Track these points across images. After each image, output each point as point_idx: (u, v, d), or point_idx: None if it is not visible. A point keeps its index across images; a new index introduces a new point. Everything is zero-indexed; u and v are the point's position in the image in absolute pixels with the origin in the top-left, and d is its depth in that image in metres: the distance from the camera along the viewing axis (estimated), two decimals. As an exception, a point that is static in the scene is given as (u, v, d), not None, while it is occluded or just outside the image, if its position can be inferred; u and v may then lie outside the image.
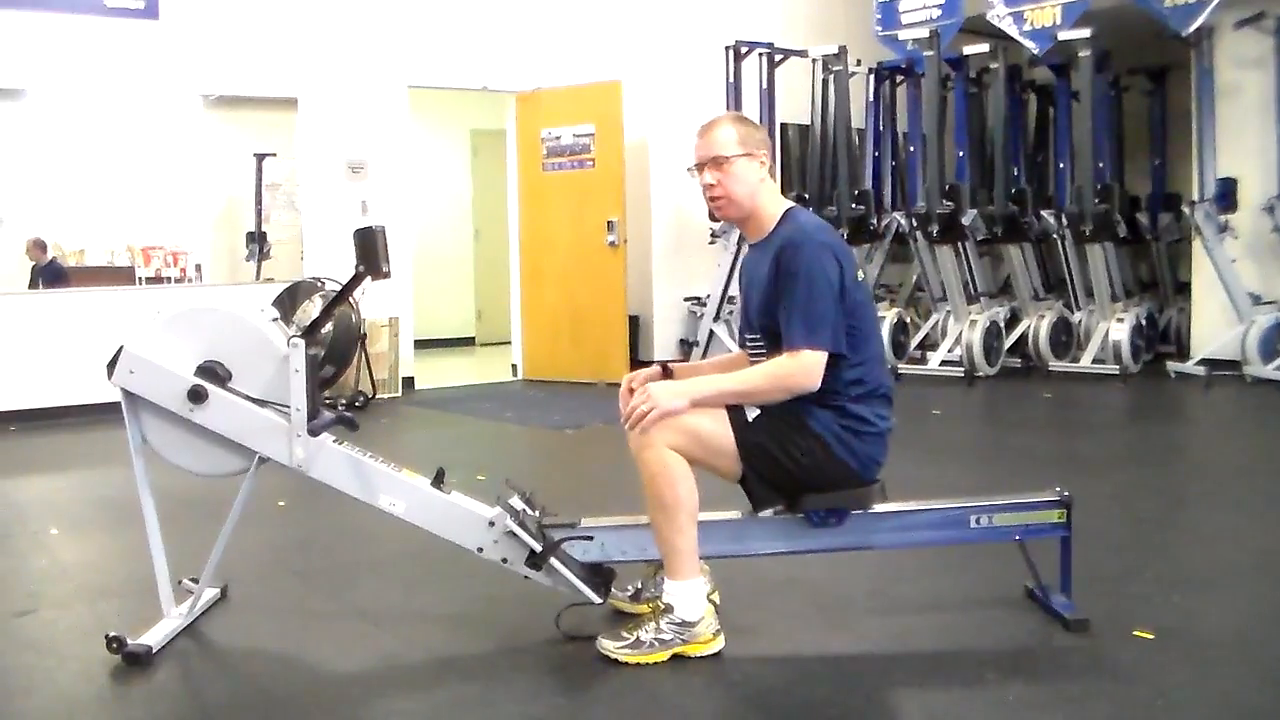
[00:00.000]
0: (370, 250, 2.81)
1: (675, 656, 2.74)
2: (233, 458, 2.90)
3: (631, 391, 2.88)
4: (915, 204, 8.58)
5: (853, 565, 3.35)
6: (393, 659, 2.87)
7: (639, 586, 3.09)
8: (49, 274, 7.40)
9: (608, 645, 2.77)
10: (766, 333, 2.84)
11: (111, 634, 2.78)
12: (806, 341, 2.68)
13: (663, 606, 2.78)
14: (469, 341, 11.61)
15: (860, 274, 2.83)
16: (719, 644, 2.80)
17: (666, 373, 3.03)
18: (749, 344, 2.95)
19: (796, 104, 9.11)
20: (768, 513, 2.92)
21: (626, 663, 2.73)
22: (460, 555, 2.92)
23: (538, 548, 2.81)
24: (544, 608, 2.95)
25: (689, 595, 2.75)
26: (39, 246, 7.38)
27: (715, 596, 2.97)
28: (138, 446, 2.93)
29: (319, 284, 3.39)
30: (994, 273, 9.03)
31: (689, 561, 2.76)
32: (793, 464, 2.75)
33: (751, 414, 2.76)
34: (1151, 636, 2.82)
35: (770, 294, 2.78)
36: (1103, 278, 8.11)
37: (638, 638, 2.76)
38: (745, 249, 3.05)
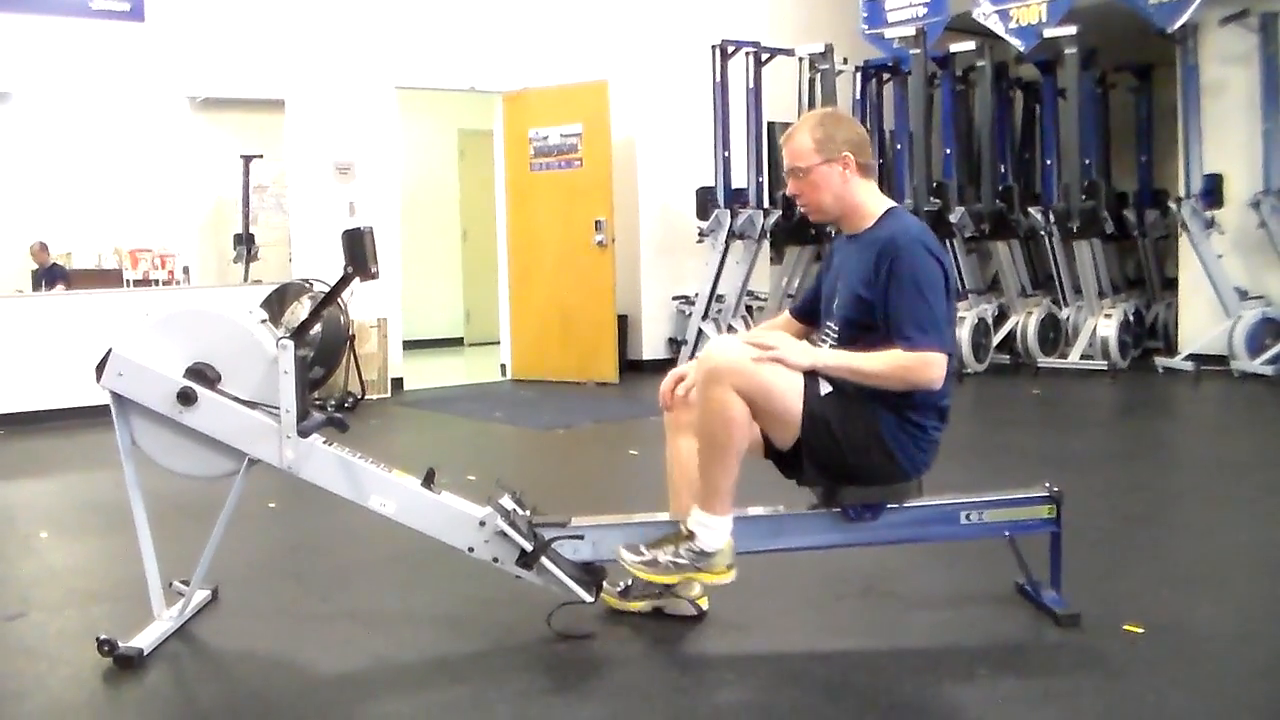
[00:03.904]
0: (358, 251, 2.82)
1: (671, 659, 2.74)
2: (222, 459, 2.90)
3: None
4: (902, 202, 8.59)
5: (843, 562, 3.36)
6: (385, 660, 2.86)
7: (629, 583, 3.09)
8: (50, 276, 7.39)
9: (626, 557, 2.81)
10: (848, 325, 2.85)
11: (103, 637, 2.77)
12: (929, 342, 2.70)
13: (685, 533, 2.80)
14: (458, 342, 11.60)
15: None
16: (731, 577, 2.81)
17: None
18: (825, 331, 2.98)
19: (783, 103, 9.09)
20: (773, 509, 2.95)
21: (640, 577, 2.81)
22: (451, 555, 2.92)
23: (528, 547, 2.82)
24: (536, 607, 2.95)
25: (715, 528, 2.78)
26: (43, 249, 7.36)
27: (704, 602, 2.98)
28: (127, 449, 2.92)
29: (307, 285, 3.39)
30: (982, 270, 9.05)
31: (725, 499, 2.78)
32: (848, 448, 2.77)
33: (824, 389, 2.77)
34: (1141, 631, 2.84)
35: (866, 290, 2.79)
36: (1090, 274, 8.14)
37: (655, 558, 2.78)
38: (837, 238, 3.06)
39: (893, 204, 2.91)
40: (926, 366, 2.70)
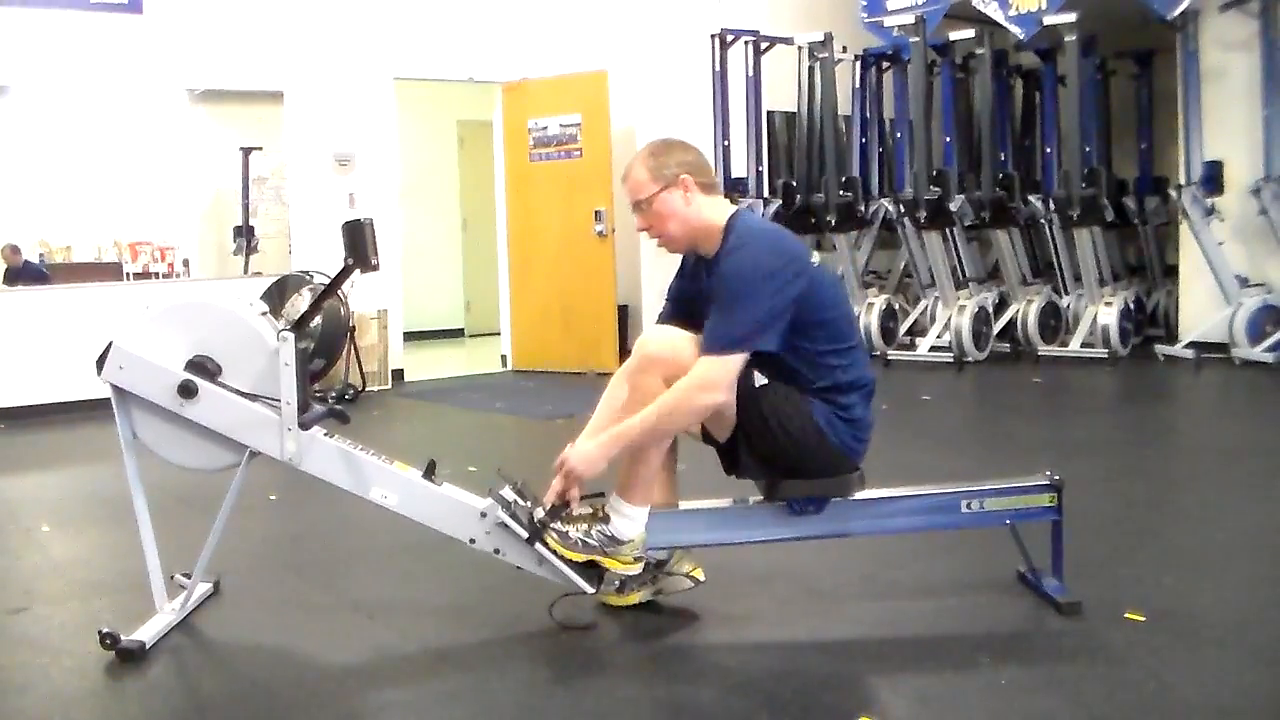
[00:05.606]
0: (358, 243, 2.82)
1: (673, 649, 2.74)
2: (224, 452, 2.90)
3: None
4: (902, 190, 8.58)
5: (845, 552, 3.36)
6: (387, 651, 2.87)
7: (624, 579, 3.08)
8: (27, 275, 7.37)
9: (542, 519, 2.83)
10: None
11: (105, 630, 2.77)
12: (710, 347, 2.68)
13: (602, 514, 2.83)
14: (458, 333, 11.60)
15: (815, 258, 2.80)
16: (637, 569, 2.86)
17: None
18: None
19: (783, 91, 9.10)
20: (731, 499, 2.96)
21: (554, 550, 2.80)
22: (453, 547, 2.92)
23: (527, 536, 2.82)
24: (537, 598, 2.95)
25: (630, 517, 2.81)
26: (13, 250, 7.34)
27: (699, 573, 2.97)
28: (128, 442, 2.92)
29: (307, 277, 3.39)
30: (982, 258, 9.05)
31: (642, 489, 2.81)
32: (787, 440, 2.77)
33: (759, 380, 2.77)
34: (1143, 618, 2.84)
35: None
36: (1090, 262, 8.13)
37: (568, 532, 2.82)
38: (699, 261, 2.97)
39: (734, 209, 2.88)
40: (696, 391, 2.66)
